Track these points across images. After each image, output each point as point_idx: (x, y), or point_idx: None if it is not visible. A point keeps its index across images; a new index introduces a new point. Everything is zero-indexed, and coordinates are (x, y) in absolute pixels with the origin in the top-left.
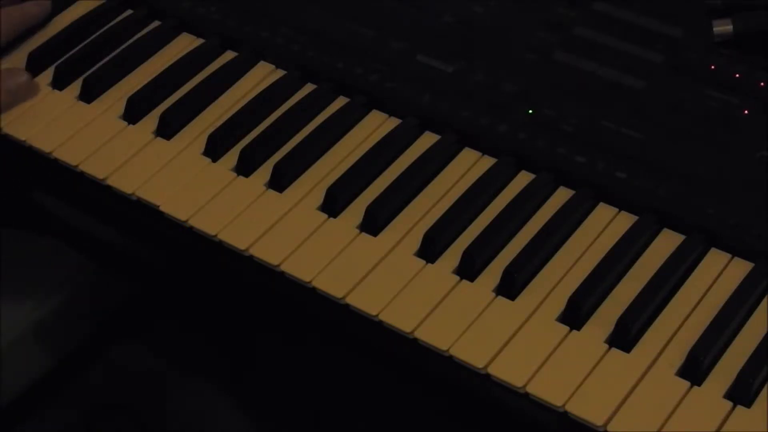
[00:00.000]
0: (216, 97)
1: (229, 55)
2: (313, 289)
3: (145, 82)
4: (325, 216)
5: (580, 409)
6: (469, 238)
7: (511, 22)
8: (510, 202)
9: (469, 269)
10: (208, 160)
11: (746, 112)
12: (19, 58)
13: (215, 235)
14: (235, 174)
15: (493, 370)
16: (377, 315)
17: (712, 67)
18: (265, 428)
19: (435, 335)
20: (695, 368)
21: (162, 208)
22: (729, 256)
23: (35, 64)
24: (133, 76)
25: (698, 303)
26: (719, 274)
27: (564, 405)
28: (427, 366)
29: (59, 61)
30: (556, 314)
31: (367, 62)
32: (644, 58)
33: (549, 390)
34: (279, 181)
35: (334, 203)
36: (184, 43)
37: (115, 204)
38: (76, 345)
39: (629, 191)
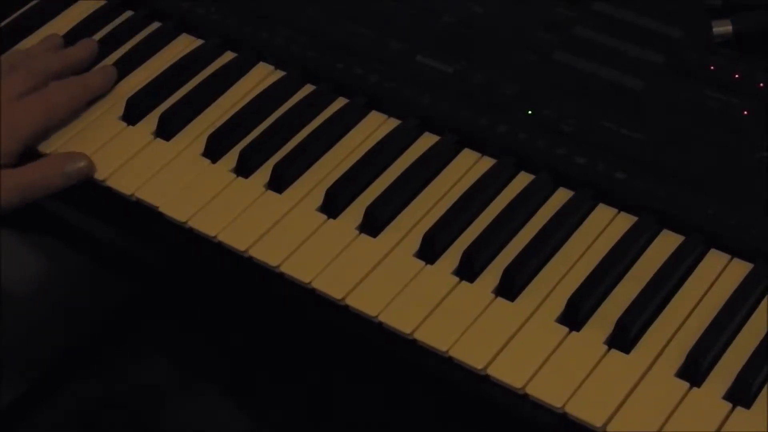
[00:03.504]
0: (216, 98)
1: (229, 56)
2: (313, 290)
3: (145, 82)
4: (325, 217)
5: (580, 410)
6: (469, 238)
7: (511, 22)
8: (510, 202)
9: (468, 270)
10: (208, 161)
11: (746, 112)
12: None
13: (215, 236)
14: (234, 175)
15: (492, 371)
16: (377, 316)
17: (712, 67)
18: (265, 428)
19: (434, 336)
20: (694, 369)
21: (161, 209)
22: (729, 256)
23: None
24: (132, 77)
25: (698, 303)
26: (719, 275)
27: (563, 406)
28: (426, 366)
29: None
30: (556, 315)
31: (367, 62)
32: (644, 58)
33: (548, 391)
34: (278, 182)
35: (333, 204)
36: (184, 44)
37: (115, 205)
38: (76, 345)
39: (629, 192)
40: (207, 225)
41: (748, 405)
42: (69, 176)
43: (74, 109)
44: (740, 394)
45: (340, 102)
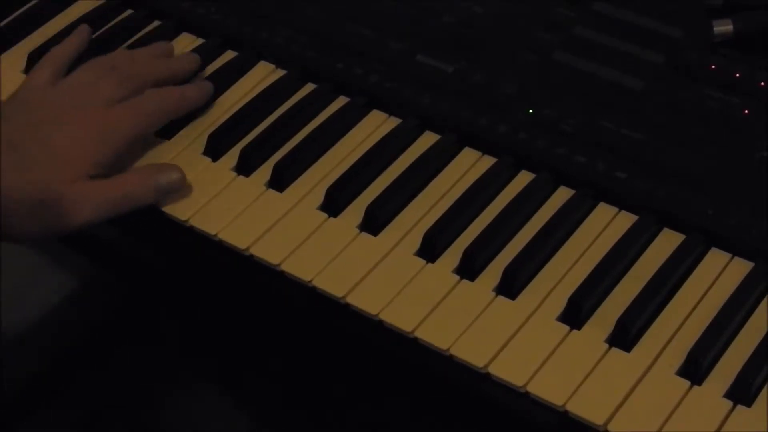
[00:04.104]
0: (216, 97)
1: (229, 55)
2: (314, 289)
3: None
4: (326, 216)
5: (581, 408)
6: (470, 237)
7: (511, 22)
8: (510, 202)
9: (469, 269)
10: (209, 159)
11: (746, 112)
12: (18, 57)
13: (215, 235)
14: (235, 174)
15: (493, 370)
16: (377, 314)
17: (712, 67)
18: (265, 428)
19: (435, 335)
20: (695, 368)
21: (162, 208)
22: (729, 256)
23: (33, 63)
24: None
25: (698, 303)
26: (719, 274)
27: (564, 404)
28: (427, 365)
29: None
30: (557, 314)
31: (367, 62)
32: (644, 58)
33: (549, 389)
34: (279, 181)
35: (334, 203)
36: (184, 43)
37: None
38: (76, 345)
39: (629, 191)
40: (208, 223)
41: (748, 404)
42: (162, 189)
43: (167, 119)
44: (741, 393)
45: (340, 101)
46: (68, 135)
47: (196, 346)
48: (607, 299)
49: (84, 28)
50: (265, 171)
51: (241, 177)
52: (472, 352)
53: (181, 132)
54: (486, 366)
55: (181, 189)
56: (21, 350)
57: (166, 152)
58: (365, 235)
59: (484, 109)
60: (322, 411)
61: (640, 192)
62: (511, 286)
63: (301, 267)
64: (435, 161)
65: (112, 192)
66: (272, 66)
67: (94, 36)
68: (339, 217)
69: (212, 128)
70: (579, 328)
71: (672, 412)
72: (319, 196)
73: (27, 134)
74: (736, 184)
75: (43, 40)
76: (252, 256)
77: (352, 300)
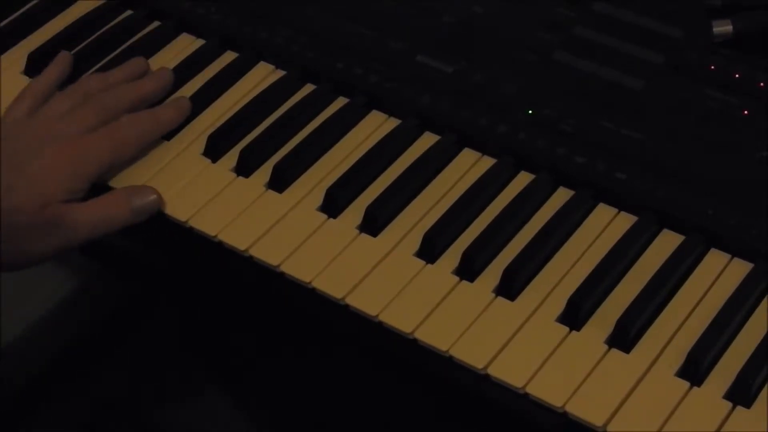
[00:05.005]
0: (216, 98)
1: (229, 55)
2: (313, 290)
3: None
4: (325, 216)
5: (580, 409)
6: (469, 238)
7: (511, 22)
8: (510, 202)
9: (468, 270)
10: (208, 160)
11: (746, 112)
12: (18, 57)
13: (215, 236)
14: (234, 174)
15: (492, 371)
16: (377, 315)
17: (712, 67)
18: (265, 428)
19: (435, 336)
20: (695, 369)
21: (162, 209)
22: (729, 256)
23: (37, 66)
24: None
25: (698, 303)
26: (719, 274)
27: (564, 405)
28: (427, 366)
29: None
30: (556, 315)
31: (367, 62)
32: (644, 58)
33: (549, 390)
34: (279, 182)
35: (334, 204)
36: (184, 43)
37: None
38: (76, 345)
39: (629, 191)
40: (207, 224)
41: (748, 404)
42: (138, 211)
43: (144, 144)
44: (740, 394)
45: (340, 102)
46: (43, 164)
47: (196, 346)
48: (607, 300)
49: (64, 57)
50: (264, 172)
51: (241, 178)
52: (472, 353)
53: (181, 132)
54: (485, 367)
55: (157, 209)
56: (21, 350)
57: (166, 153)
58: (365, 236)
59: (483, 110)
60: (321, 411)
61: (640, 192)
62: (510, 287)
63: (301, 268)
64: (435, 162)
65: (90, 215)
66: (272, 66)
67: (94, 36)
68: (338, 218)
69: (212, 129)
70: (578, 329)
71: (672, 413)
72: (319, 197)
73: (5, 165)
74: (736, 184)
75: (43, 40)
76: (252, 257)
77: (351, 301)
